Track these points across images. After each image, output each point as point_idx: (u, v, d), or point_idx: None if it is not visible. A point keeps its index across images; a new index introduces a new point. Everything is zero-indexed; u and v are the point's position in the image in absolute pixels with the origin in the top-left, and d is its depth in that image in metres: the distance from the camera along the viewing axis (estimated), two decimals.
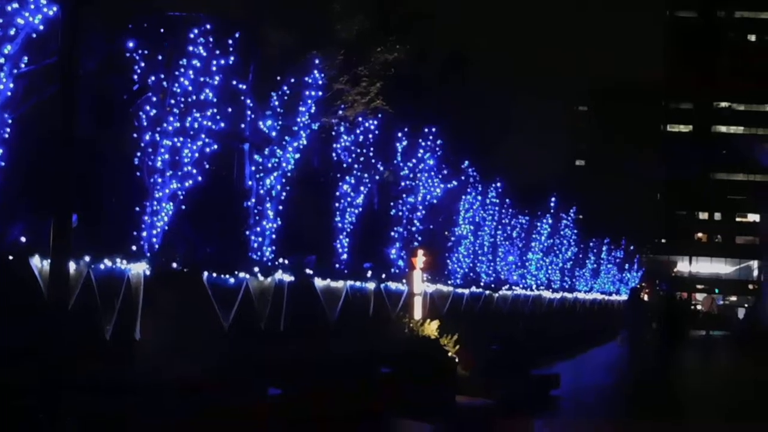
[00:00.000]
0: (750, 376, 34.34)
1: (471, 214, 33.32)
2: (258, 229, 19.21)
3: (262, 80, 19.52)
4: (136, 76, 15.76)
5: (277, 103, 19.49)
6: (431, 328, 24.65)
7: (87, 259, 14.06)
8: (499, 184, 36.52)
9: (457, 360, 23.94)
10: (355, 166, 23.09)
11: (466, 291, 32.77)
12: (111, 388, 13.49)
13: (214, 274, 17.35)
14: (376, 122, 23.65)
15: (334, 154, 23.01)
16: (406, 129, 26.35)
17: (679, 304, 38.45)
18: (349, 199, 23.05)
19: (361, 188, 23.36)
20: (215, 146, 16.79)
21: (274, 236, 19.38)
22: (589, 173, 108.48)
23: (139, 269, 15.17)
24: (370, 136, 23.41)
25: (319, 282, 21.09)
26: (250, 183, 19.37)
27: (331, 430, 16.89)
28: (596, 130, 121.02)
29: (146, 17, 16.18)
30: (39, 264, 13.20)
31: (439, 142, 27.50)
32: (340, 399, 17.50)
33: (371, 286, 23.76)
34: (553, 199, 47.00)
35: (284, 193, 19.64)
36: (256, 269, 18.59)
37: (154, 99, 15.83)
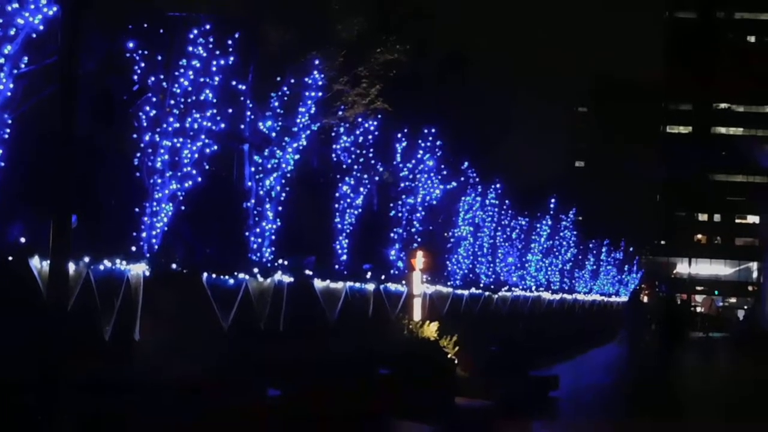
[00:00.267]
0: (749, 377, 34.36)
1: (470, 215, 33.32)
2: (257, 230, 19.21)
3: (261, 81, 19.52)
4: (135, 77, 15.75)
5: (276, 103, 19.49)
6: (431, 329, 24.65)
7: (86, 259, 14.05)
8: (498, 186, 36.52)
9: (456, 361, 23.96)
10: (355, 167, 23.09)
11: (466, 292, 32.77)
12: (110, 387, 13.49)
13: (214, 275, 17.35)
14: (375, 123, 23.65)
15: (333, 155, 23.01)
16: (405, 130, 26.35)
17: (678, 306, 38.49)
18: (348, 200, 23.05)
19: (361, 189, 23.37)
20: (215, 147, 16.78)
21: (273, 237, 19.38)
22: (588, 174, 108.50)
23: (138, 270, 15.16)
24: (370, 137, 23.42)
25: (318, 283, 21.09)
26: (249, 184, 19.37)
27: (330, 430, 16.89)
28: (596, 130, 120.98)
29: (146, 17, 16.16)
30: (38, 264, 13.20)
31: (438, 143, 27.51)
32: (339, 400, 17.49)
33: (371, 287, 23.77)
34: (552, 200, 47.03)
35: (284, 194, 19.64)
36: (256, 270, 18.59)
37: (154, 99, 15.83)
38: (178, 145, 16.11)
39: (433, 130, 27.34)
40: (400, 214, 26.46)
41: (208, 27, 16.46)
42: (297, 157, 19.91)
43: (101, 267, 14.41)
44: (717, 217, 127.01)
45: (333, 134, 23.17)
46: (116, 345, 14.70)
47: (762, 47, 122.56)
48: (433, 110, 33.99)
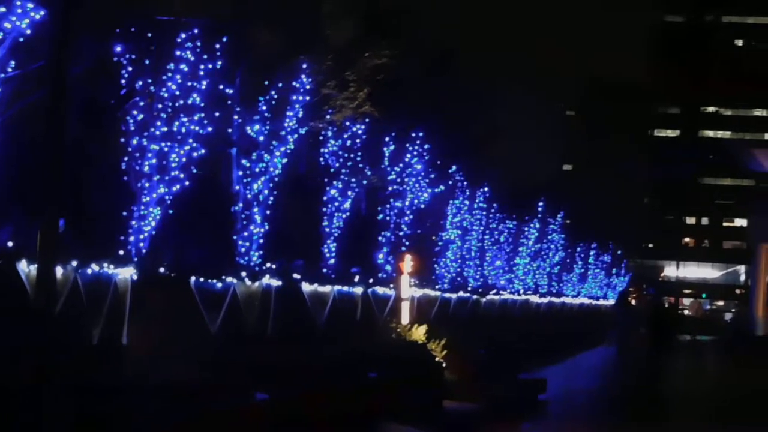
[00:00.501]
0: (736, 380, 34.45)
1: (458, 219, 33.36)
2: (245, 233, 19.22)
3: (249, 85, 19.52)
4: (123, 81, 15.77)
5: (264, 107, 19.50)
6: (419, 332, 24.66)
7: (74, 263, 14.05)
8: (486, 189, 36.54)
9: (444, 364, 23.96)
10: (343, 170, 23.11)
11: (454, 296, 32.81)
12: (97, 391, 13.48)
13: (202, 279, 17.37)
14: (363, 127, 23.68)
15: (321, 159, 23.03)
16: (393, 134, 26.37)
17: (667, 310, 38.53)
18: (336, 204, 23.06)
19: (349, 193, 23.39)
20: (202, 151, 16.79)
21: (261, 241, 19.39)
22: (576, 177, 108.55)
23: (126, 273, 15.17)
24: (358, 140, 23.45)
25: (306, 287, 21.11)
26: (237, 187, 19.38)
27: None
28: (584, 133, 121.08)
29: (134, 21, 16.17)
30: (26, 268, 13.19)
31: (426, 146, 27.52)
32: (327, 403, 17.50)
33: (359, 290, 23.79)
34: (540, 203, 47.06)
35: (271, 198, 19.65)
36: (244, 274, 18.61)
37: (142, 103, 15.84)
38: (166, 148, 16.11)
39: (420, 134, 27.36)
40: (388, 218, 26.48)
41: (196, 31, 16.47)
42: (285, 160, 19.92)
43: (89, 271, 14.41)
44: (705, 221, 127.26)
45: (321, 138, 23.17)
46: (104, 349, 14.70)
47: (750, 51, 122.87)
48: (421, 114, 33.99)
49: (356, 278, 23.64)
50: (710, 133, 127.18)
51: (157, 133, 15.99)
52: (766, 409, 25.48)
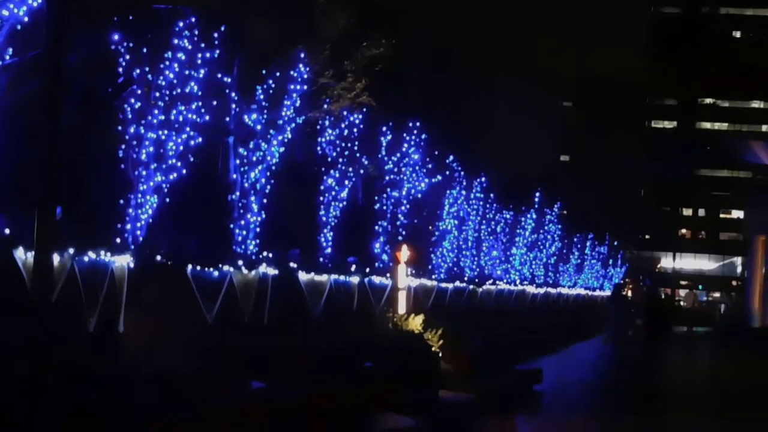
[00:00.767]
0: (731, 372, 34.51)
1: (455, 209, 33.36)
2: (242, 222, 19.22)
3: (247, 74, 19.50)
4: (121, 69, 15.73)
5: (262, 96, 19.48)
6: (415, 322, 24.67)
7: (71, 251, 14.05)
8: (483, 179, 36.55)
9: (440, 354, 23.97)
10: (340, 160, 23.10)
11: (450, 285, 32.82)
12: (93, 381, 13.50)
13: (198, 267, 17.37)
14: (360, 117, 23.67)
15: (318, 148, 23.01)
16: (390, 123, 26.37)
17: (663, 301, 38.62)
18: (333, 193, 23.06)
19: (346, 182, 23.38)
20: (200, 139, 16.78)
21: (258, 229, 19.39)
22: (573, 169, 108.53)
23: (123, 262, 15.17)
24: (355, 130, 23.44)
25: (303, 276, 21.12)
26: (234, 176, 19.37)
27: (313, 423, 16.90)
28: (581, 125, 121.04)
29: (131, 10, 16.14)
30: (23, 256, 13.19)
31: (423, 136, 27.52)
32: (323, 392, 17.52)
33: (355, 280, 23.80)
34: (537, 194, 47.09)
35: (268, 187, 19.65)
36: (240, 262, 18.62)
37: (139, 92, 15.81)
38: (163, 137, 16.10)
39: (418, 124, 27.36)
40: (384, 208, 26.48)
41: (193, 20, 16.45)
42: (282, 150, 19.92)
43: (86, 258, 14.41)
44: (701, 212, 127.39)
45: (318, 127, 23.16)
46: (100, 337, 14.71)
47: (747, 42, 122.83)
48: (419, 105, 33.99)
49: (353, 268, 23.65)
50: (707, 125, 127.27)
51: (155, 121, 15.99)
52: (762, 402, 25.53)
